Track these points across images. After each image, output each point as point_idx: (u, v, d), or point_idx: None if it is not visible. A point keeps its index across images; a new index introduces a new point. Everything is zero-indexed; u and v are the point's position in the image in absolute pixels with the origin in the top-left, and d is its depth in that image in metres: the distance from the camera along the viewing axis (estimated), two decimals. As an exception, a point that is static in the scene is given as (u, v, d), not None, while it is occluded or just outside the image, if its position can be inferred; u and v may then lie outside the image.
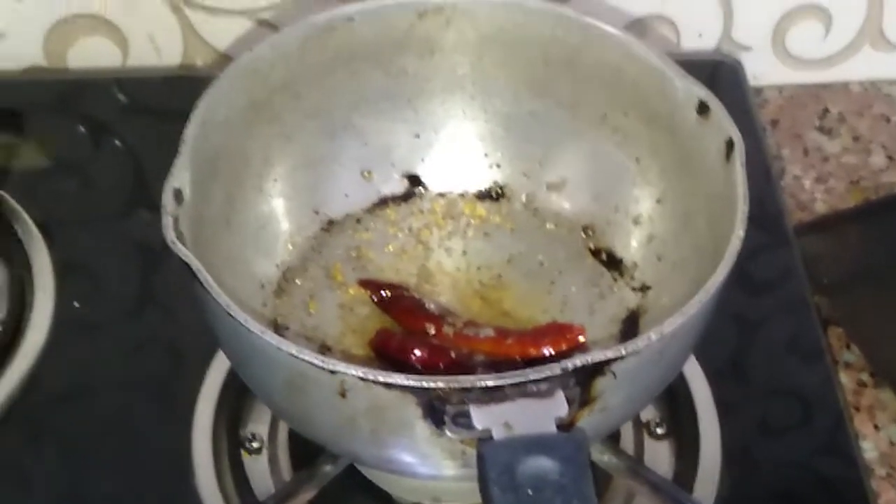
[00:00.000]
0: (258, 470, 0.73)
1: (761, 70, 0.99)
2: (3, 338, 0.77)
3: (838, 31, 0.98)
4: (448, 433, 0.56)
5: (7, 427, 0.75)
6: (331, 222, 0.76)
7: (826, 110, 0.99)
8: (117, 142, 0.91)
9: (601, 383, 0.57)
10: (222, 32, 0.95)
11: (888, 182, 0.93)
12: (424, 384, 0.55)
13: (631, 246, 0.74)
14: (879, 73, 1.01)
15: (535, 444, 0.54)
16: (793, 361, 0.81)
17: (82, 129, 0.92)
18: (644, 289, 0.73)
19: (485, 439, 0.54)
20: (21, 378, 0.76)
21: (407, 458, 0.60)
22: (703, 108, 0.68)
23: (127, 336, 0.80)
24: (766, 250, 0.86)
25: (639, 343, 0.56)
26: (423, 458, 0.59)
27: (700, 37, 0.98)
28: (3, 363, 0.76)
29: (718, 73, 0.97)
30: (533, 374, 0.55)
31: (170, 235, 0.59)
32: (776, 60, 0.99)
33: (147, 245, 0.84)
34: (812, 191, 0.93)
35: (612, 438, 0.73)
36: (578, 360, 0.55)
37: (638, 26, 0.96)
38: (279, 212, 0.74)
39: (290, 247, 0.75)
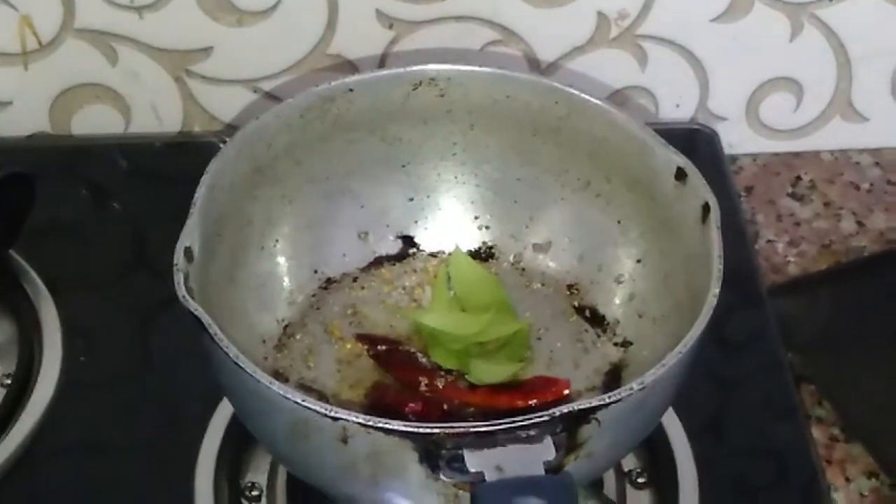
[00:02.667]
0: (258, 517, 0.75)
1: (736, 139, 1.02)
2: (12, 391, 0.79)
3: (809, 102, 1.00)
4: (443, 477, 0.58)
5: (15, 478, 0.76)
6: (329, 280, 0.79)
7: (798, 178, 1.01)
8: (118, 204, 0.93)
9: (587, 430, 0.59)
10: (222, 101, 0.97)
11: (857, 246, 0.96)
12: (421, 430, 0.57)
13: (613, 303, 0.77)
14: (849, 142, 1.03)
15: (526, 486, 0.56)
16: (768, 417, 0.82)
17: (86, 192, 0.94)
18: (626, 344, 0.75)
19: (478, 482, 0.56)
20: (30, 430, 0.77)
21: (404, 501, 0.62)
22: (680, 175, 0.70)
23: (132, 391, 0.81)
24: (742, 311, 0.88)
25: (622, 392, 0.59)
26: (419, 500, 0.61)
27: (677, 107, 1.01)
28: (12, 415, 0.78)
29: (695, 142, 0.99)
30: (523, 420, 0.57)
31: (181, 291, 0.62)
32: (750, 130, 1.02)
33: (149, 304, 0.85)
34: (785, 254, 0.95)
35: (596, 486, 0.75)
36: (566, 408, 0.58)
37: (618, 97, 0.99)
38: (280, 270, 0.77)
39: (291, 303, 0.77)
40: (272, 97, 0.96)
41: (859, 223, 0.98)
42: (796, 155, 1.03)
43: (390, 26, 0.94)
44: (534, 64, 0.96)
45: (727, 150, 1.01)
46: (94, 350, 0.83)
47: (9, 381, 0.80)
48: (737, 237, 0.92)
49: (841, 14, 0.96)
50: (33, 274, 0.85)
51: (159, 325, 0.85)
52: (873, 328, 0.88)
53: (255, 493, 0.76)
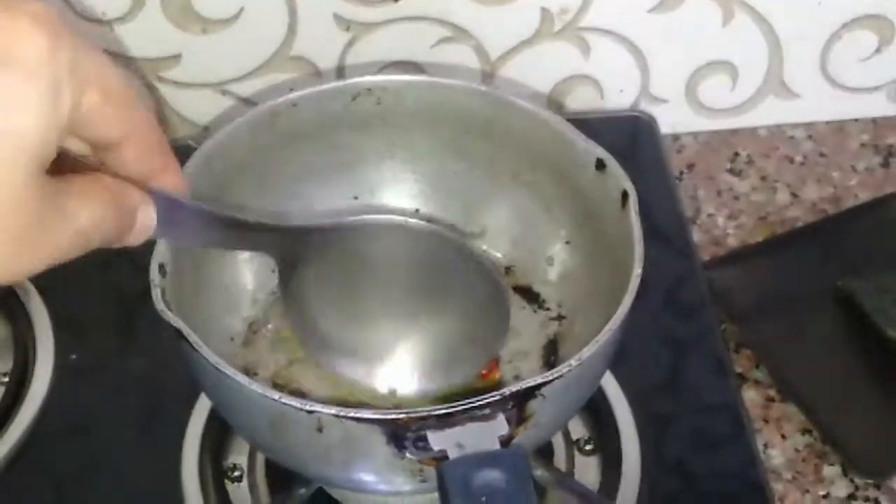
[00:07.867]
0: (240, 496, 0.79)
1: (678, 119, 1.06)
2: (11, 386, 0.84)
3: (744, 82, 1.05)
4: (409, 455, 0.63)
5: (19, 463, 0.81)
6: (287, 278, 0.81)
7: (736, 153, 1.06)
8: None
9: (533, 404, 0.63)
10: (193, 105, 1.01)
11: (792, 217, 1.00)
12: (388, 416, 0.61)
13: (547, 282, 0.81)
14: (782, 118, 1.08)
15: (485, 460, 0.60)
16: (704, 384, 0.87)
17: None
18: (560, 318, 0.80)
19: (442, 459, 0.61)
20: (29, 421, 0.83)
21: (373, 478, 0.66)
22: (600, 165, 0.74)
23: (119, 380, 0.86)
24: (680, 284, 0.93)
25: (562, 369, 0.63)
26: (387, 478, 0.66)
27: (621, 92, 1.04)
28: (11, 412, 0.83)
29: (636, 128, 1.04)
30: (478, 400, 0.61)
31: (159, 305, 0.65)
32: (690, 111, 1.06)
33: (131, 293, 0.90)
34: (724, 227, 0.99)
35: (546, 456, 0.80)
36: (515, 387, 0.62)
37: (565, 85, 1.03)
38: (243, 272, 0.80)
39: (254, 302, 0.80)
40: (241, 99, 1.01)
41: (793, 195, 1.02)
42: (734, 132, 1.07)
43: (347, 28, 0.98)
44: (483, 58, 1.01)
45: (670, 130, 1.05)
46: (83, 343, 0.88)
47: (6, 379, 0.84)
48: (673, 215, 0.97)
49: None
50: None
51: (142, 313, 0.87)
52: (805, 295, 0.92)
53: (237, 473, 0.80)
